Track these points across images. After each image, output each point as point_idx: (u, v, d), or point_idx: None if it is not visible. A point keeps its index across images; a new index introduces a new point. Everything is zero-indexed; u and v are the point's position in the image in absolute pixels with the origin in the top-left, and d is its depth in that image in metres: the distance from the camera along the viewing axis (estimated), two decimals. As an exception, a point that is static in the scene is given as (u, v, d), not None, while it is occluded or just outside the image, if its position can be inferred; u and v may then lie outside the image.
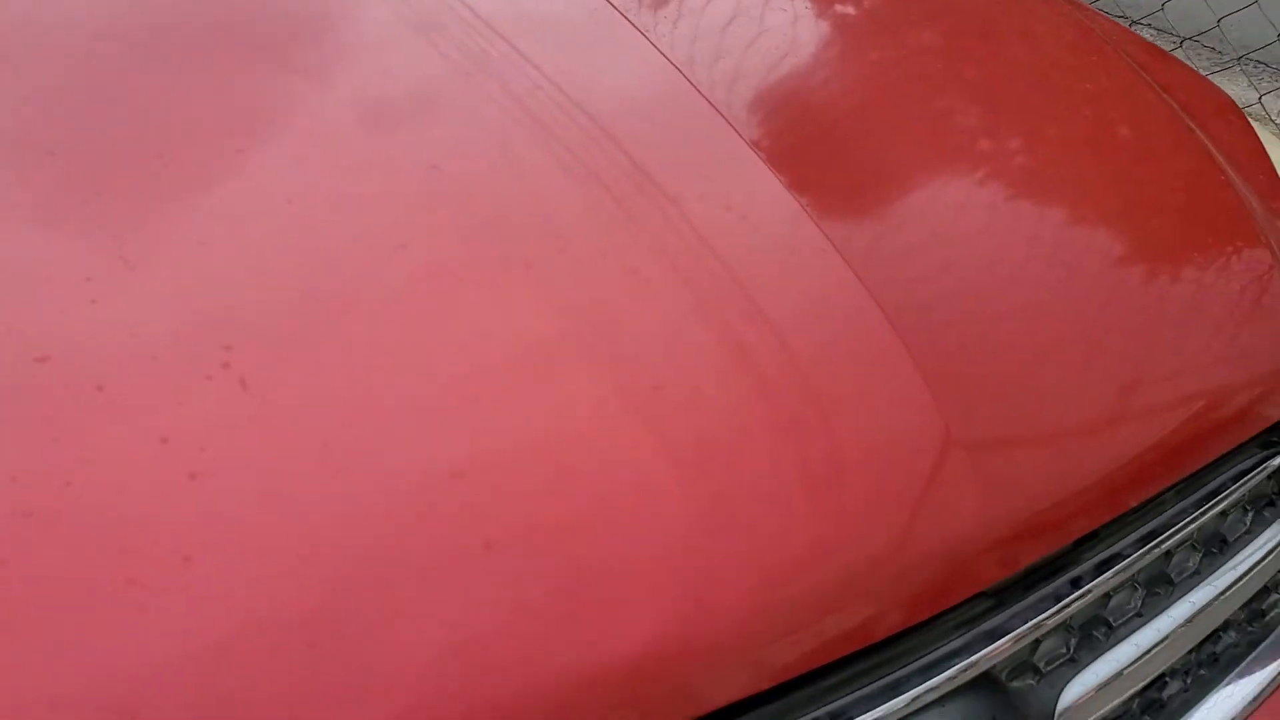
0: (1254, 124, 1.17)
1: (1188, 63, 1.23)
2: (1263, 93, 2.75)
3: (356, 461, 0.58)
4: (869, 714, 0.63)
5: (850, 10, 1.11)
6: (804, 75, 0.95)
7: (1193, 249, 0.92)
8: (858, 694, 0.64)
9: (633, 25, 0.91)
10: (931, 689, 0.65)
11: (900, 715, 0.64)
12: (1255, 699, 0.85)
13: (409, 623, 0.55)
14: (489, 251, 0.69)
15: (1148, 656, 0.77)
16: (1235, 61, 2.97)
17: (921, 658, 0.66)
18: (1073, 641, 0.75)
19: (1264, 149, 1.10)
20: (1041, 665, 0.73)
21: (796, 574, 0.61)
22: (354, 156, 0.74)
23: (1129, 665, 0.76)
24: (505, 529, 0.58)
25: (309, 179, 0.71)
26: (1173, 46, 2.92)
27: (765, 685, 0.60)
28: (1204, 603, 0.80)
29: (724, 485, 0.62)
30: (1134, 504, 0.73)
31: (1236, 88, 3.41)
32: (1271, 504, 0.88)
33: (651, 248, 0.72)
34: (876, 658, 0.65)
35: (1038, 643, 0.73)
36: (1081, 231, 0.88)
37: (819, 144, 0.87)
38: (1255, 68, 3.89)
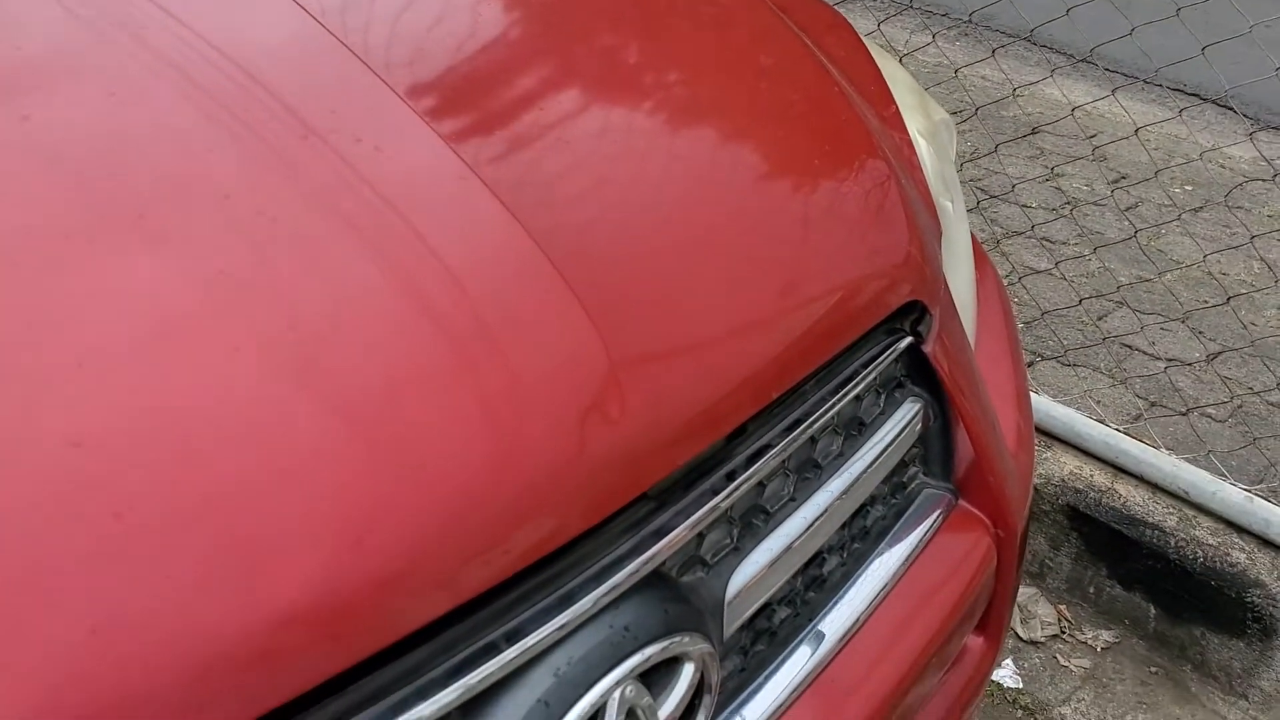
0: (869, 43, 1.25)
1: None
2: (880, 20, 2.99)
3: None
4: (548, 625, 0.64)
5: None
6: (439, 18, 0.93)
7: (818, 160, 0.98)
8: (536, 608, 0.65)
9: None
10: (606, 592, 0.67)
11: (579, 622, 0.66)
12: (905, 561, 0.93)
13: (36, 610, 0.50)
14: (107, 202, 0.64)
15: (804, 537, 0.83)
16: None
17: (593, 565, 0.68)
18: (735, 532, 0.79)
19: (874, 62, 1.19)
20: (708, 557, 0.77)
21: (468, 501, 0.61)
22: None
23: (788, 547, 0.81)
24: (137, 497, 0.54)
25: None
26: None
27: (440, 612, 0.60)
28: (849, 481, 0.87)
29: (389, 425, 0.61)
30: (777, 395, 0.78)
31: (862, 20, 3.67)
32: (900, 386, 0.96)
33: (296, 190, 0.69)
34: (550, 571, 0.66)
35: (702, 536, 0.77)
36: (714, 148, 0.92)
37: (460, 83, 0.86)
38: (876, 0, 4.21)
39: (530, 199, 0.76)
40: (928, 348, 0.94)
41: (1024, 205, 3.06)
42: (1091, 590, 1.98)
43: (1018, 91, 3.18)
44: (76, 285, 0.60)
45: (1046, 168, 3.24)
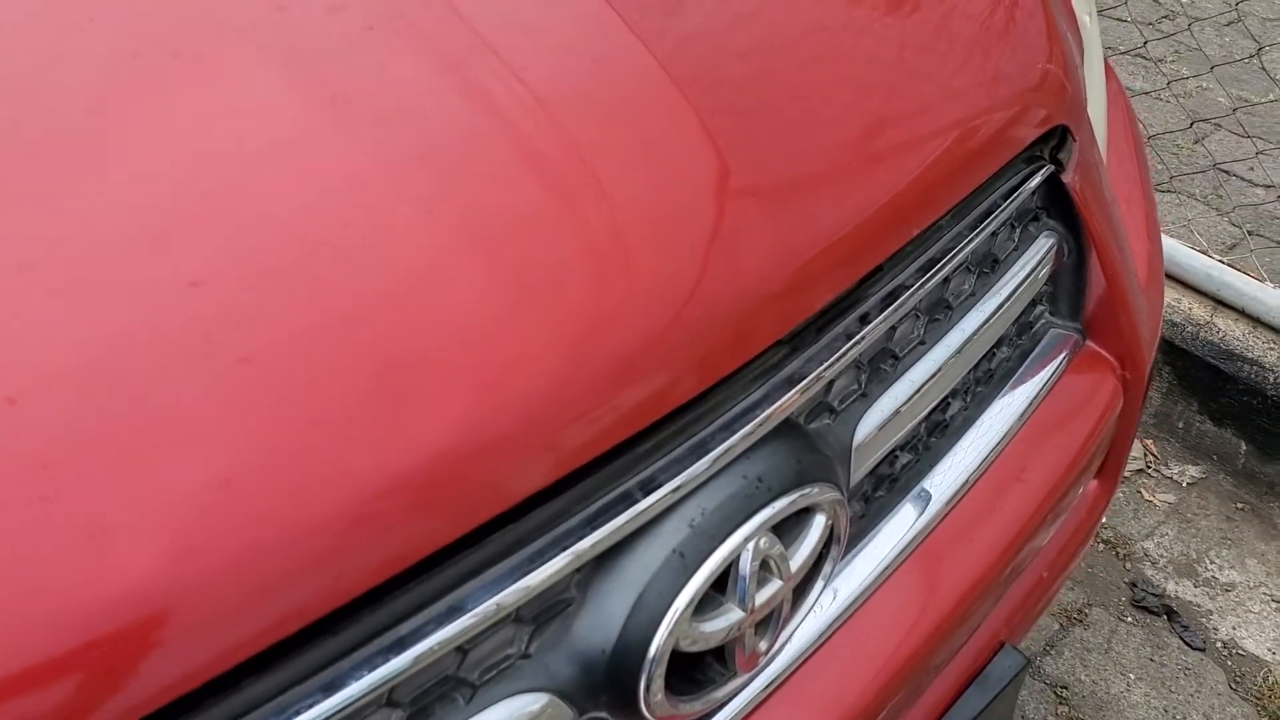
0: None
1: None
2: None
3: (72, 279, 0.49)
4: (682, 474, 0.61)
5: None
6: None
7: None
8: (668, 457, 0.62)
9: None
10: (739, 441, 0.63)
11: (713, 472, 0.63)
12: (1029, 404, 0.89)
13: (164, 457, 0.47)
14: (201, 18, 0.59)
15: (932, 381, 0.78)
16: None
17: (724, 414, 0.64)
18: (863, 377, 0.75)
19: None
20: (836, 404, 0.73)
21: (595, 344, 0.57)
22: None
23: (916, 392, 0.77)
24: (262, 338, 0.50)
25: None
26: None
27: (570, 467, 0.57)
28: (980, 322, 0.82)
29: (510, 262, 0.56)
30: (918, 230, 0.72)
31: None
32: (1036, 219, 0.89)
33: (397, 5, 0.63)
34: (683, 420, 0.62)
35: (830, 383, 0.73)
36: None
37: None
38: None
39: (655, 25, 0.70)
40: (1068, 177, 0.87)
41: (1120, 20, 2.88)
42: (1180, 425, 1.93)
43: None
44: (177, 106, 0.55)
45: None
